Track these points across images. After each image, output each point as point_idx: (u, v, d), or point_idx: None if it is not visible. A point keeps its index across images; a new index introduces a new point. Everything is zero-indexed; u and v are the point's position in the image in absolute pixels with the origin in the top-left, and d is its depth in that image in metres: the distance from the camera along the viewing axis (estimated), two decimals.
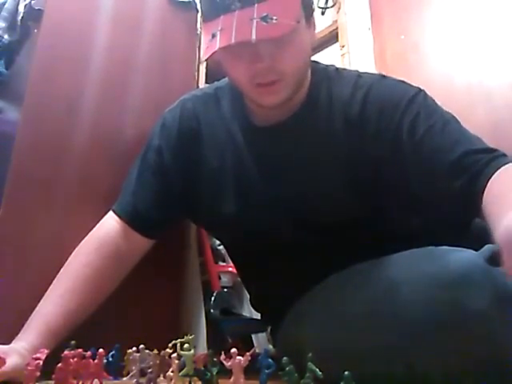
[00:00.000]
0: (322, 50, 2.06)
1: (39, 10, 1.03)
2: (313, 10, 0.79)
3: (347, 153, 0.78)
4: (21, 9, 1.10)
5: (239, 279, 1.22)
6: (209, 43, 0.68)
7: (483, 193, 0.60)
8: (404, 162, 0.72)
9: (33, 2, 1.05)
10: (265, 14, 0.65)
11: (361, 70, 0.87)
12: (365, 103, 0.77)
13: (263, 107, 0.78)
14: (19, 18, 1.11)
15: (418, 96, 0.76)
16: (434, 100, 0.77)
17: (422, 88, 0.78)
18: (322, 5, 2.01)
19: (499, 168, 0.61)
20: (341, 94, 0.80)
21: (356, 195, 0.78)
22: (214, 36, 0.67)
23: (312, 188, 0.79)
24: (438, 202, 0.71)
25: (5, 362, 0.57)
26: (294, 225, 0.80)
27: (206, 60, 0.72)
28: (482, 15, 1.49)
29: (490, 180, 0.60)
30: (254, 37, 0.64)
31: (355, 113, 0.77)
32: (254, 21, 0.64)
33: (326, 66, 0.88)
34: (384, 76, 0.83)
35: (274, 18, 0.65)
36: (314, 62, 0.87)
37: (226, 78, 0.91)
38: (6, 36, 1.13)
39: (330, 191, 0.78)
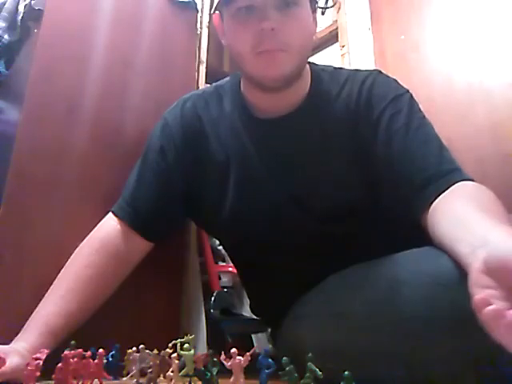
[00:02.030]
0: (321, 49, 2.07)
1: (39, 9, 1.03)
2: (316, 4, 0.84)
3: (349, 142, 0.80)
4: (21, 9, 1.10)
5: (239, 279, 1.22)
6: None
7: (430, 205, 0.66)
8: (381, 150, 0.76)
9: (33, 2, 1.05)
10: None
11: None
12: (359, 94, 0.81)
13: (265, 82, 0.78)
14: (19, 17, 1.10)
15: (404, 95, 0.80)
16: (417, 103, 0.81)
17: (409, 90, 0.82)
18: (322, 5, 2.01)
19: (452, 184, 0.66)
20: (340, 90, 0.83)
21: (360, 184, 0.79)
22: None
23: (318, 179, 0.81)
24: (394, 195, 0.75)
25: (5, 362, 0.57)
26: (297, 215, 0.81)
27: (213, 12, 0.81)
28: (482, 15, 1.49)
29: (441, 196, 0.66)
30: None
31: (353, 104, 0.81)
32: None
33: (324, 66, 0.90)
34: (380, 72, 0.86)
35: None
36: (312, 63, 0.89)
37: (227, 78, 0.92)
38: (6, 36, 1.13)
39: (336, 182, 0.80)
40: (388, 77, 0.85)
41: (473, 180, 0.69)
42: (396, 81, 0.84)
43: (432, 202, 0.66)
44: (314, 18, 0.82)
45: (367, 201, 0.79)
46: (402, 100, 0.79)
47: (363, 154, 0.79)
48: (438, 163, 0.70)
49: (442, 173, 0.69)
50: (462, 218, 0.58)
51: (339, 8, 1.98)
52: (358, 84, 0.82)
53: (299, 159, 0.82)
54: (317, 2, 0.84)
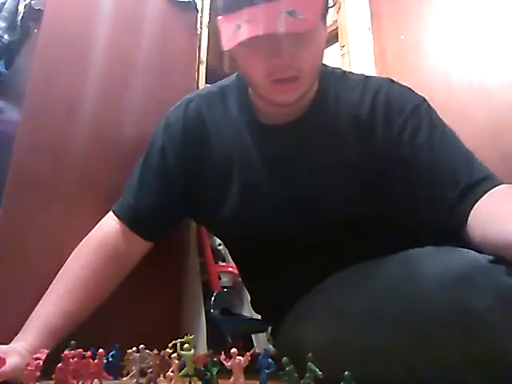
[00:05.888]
0: None
1: (39, 9, 1.03)
2: (327, 10, 0.80)
3: (355, 153, 0.79)
4: (21, 9, 1.10)
5: (239, 279, 1.22)
6: (233, 34, 0.68)
7: (469, 212, 0.65)
8: (404, 165, 0.75)
9: (33, 1, 1.05)
10: (291, 9, 0.65)
11: (362, 71, 0.88)
12: (374, 105, 0.79)
13: (276, 105, 0.78)
14: (19, 18, 1.10)
15: (422, 105, 0.79)
16: (435, 111, 0.79)
17: (425, 98, 0.81)
18: None
19: (488, 190, 0.66)
20: (349, 96, 0.81)
21: (361, 195, 0.78)
22: (239, 27, 0.67)
23: (317, 188, 0.80)
24: (430, 210, 0.73)
25: (5, 362, 0.57)
26: (296, 223, 0.81)
27: (229, 49, 0.70)
28: (482, 15, 1.49)
29: (479, 201, 0.65)
30: (281, 29, 0.64)
31: (365, 114, 0.79)
32: (282, 15, 0.65)
33: (333, 68, 0.88)
34: (392, 81, 0.84)
35: (300, 13, 0.66)
36: (322, 64, 0.87)
37: (231, 77, 0.91)
38: (6, 36, 1.13)
39: (336, 191, 0.79)
40: (402, 86, 0.83)
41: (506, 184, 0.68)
42: (410, 89, 0.82)
43: (469, 212, 0.66)
44: (324, 23, 0.78)
45: (368, 210, 0.78)
46: (421, 111, 0.77)
47: (371, 165, 0.77)
48: (469, 175, 0.69)
49: (476, 183, 0.68)
50: (499, 212, 0.59)
51: (339, 8, 1.98)
52: (370, 93, 0.80)
53: (297, 167, 0.81)
54: (327, 11, 0.80)
